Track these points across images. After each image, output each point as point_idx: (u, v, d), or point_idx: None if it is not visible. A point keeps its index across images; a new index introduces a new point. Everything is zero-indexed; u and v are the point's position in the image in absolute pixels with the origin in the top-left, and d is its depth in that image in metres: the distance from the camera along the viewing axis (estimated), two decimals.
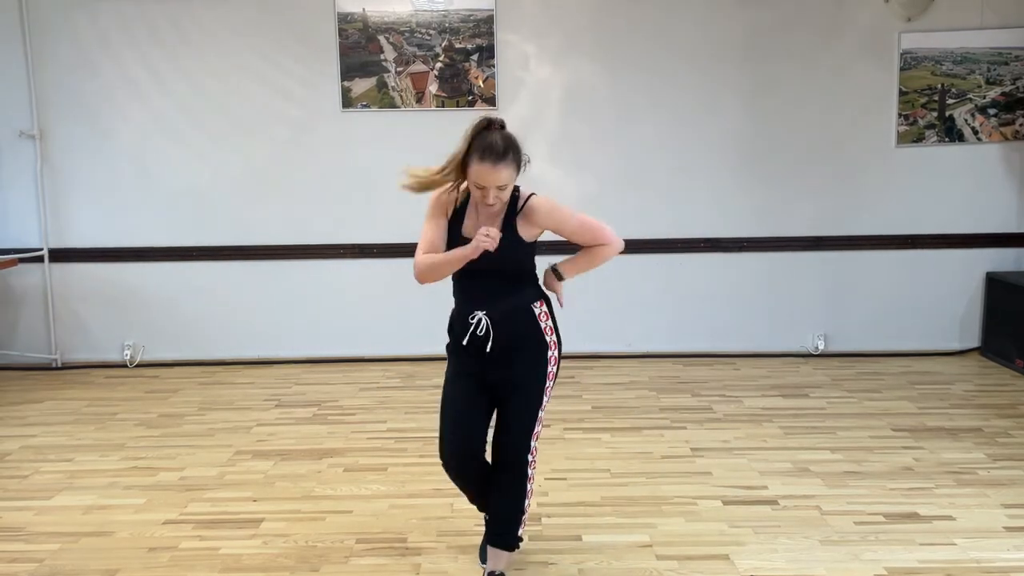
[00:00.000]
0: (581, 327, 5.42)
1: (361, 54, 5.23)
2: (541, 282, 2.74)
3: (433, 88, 5.27)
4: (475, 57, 5.24)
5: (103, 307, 5.43)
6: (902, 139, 5.32)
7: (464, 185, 2.62)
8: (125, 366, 5.42)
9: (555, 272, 2.74)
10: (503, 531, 2.73)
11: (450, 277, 2.67)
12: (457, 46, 5.23)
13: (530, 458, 2.69)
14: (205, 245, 5.39)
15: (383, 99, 5.27)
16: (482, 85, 5.25)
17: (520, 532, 2.76)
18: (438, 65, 5.25)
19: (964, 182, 5.38)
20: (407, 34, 5.22)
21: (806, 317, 5.47)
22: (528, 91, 5.27)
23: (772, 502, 3.35)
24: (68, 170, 5.32)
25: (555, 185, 5.32)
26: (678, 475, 3.62)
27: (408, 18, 5.21)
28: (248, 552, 3.00)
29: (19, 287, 5.42)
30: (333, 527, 3.18)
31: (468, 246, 2.50)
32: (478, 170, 2.48)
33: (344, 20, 5.20)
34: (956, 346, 5.54)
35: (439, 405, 2.77)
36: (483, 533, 2.87)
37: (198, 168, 5.33)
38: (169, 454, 3.94)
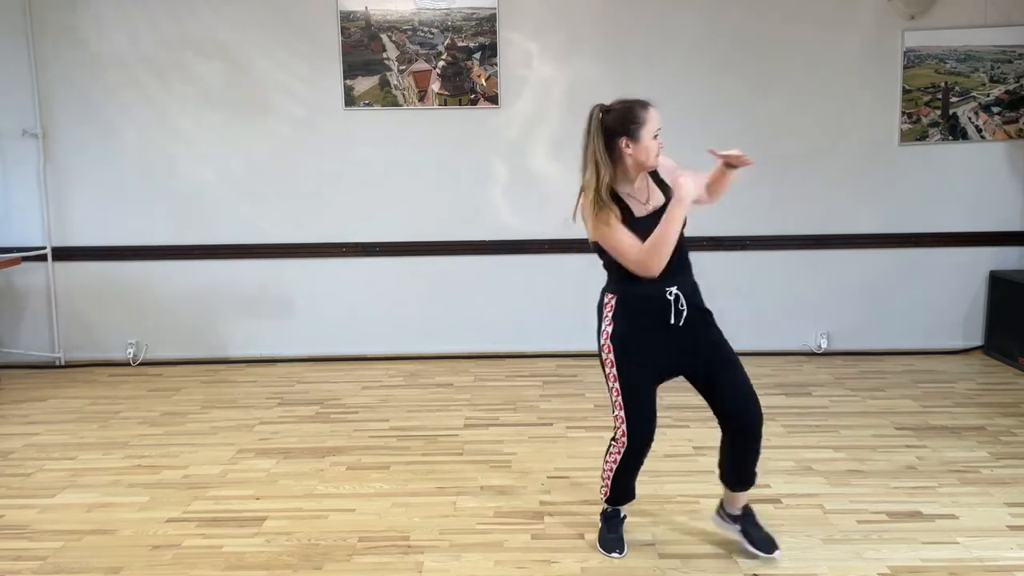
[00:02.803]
0: (583, 325, 5.40)
1: (363, 52, 5.23)
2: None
3: (436, 86, 5.27)
4: (478, 55, 5.23)
5: (106, 305, 5.44)
6: (905, 137, 5.31)
7: (606, 179, 2.66)
8: (128, 364, 5.43)
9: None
10: (745, 478, 2.87)
11: (608, 264, 2.80)
12: (459, 44, 5.22)
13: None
14: (208, 244, 5.40)
15: (385, 98, 5.27)
16: (485, 83, 5.25)
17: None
18: (440, 63, 5.25)
19: (967, 180, 5.37)
20: (409, 32, 5.22)
21: (809, 315, 5.47)
22: (531, 89, 5.27)
23: (775, 500, 3.34)
24: (71, 169, 5.33)
25: (558, 183, 5.32)
26: (681, 474, 3.62)
27: (410, 16, 5.21)
28: (251, 550, 3.00)
29: (22, 285, 5.43)
30: (336, 525, 3.19)
31: (675, 202, 2.68)
32: (653, 118, 2.65)
33: (346, 18, 5.20)
34: (959, 344, 5.53)
35: (622, 392, 2.80)
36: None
37: (201, 167, 5.34)
38: (172, 452, 3.94)
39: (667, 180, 2.79)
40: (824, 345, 5.46)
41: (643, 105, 2.65)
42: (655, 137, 2.66)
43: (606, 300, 2.86)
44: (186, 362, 5.46)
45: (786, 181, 5.37)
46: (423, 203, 5.39)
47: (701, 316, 2.80)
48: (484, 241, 5.39)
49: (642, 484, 3.49)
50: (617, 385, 2.80)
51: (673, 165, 2.85)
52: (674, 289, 2.73)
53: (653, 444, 2.86)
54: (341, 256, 5.43)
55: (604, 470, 2.95)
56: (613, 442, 2.89)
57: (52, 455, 3.93)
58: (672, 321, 2.72)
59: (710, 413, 4.34)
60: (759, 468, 2.88)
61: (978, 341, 5.52)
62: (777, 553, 2.89)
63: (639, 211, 2.74)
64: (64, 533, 3.15)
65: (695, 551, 2.96)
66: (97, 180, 5.33)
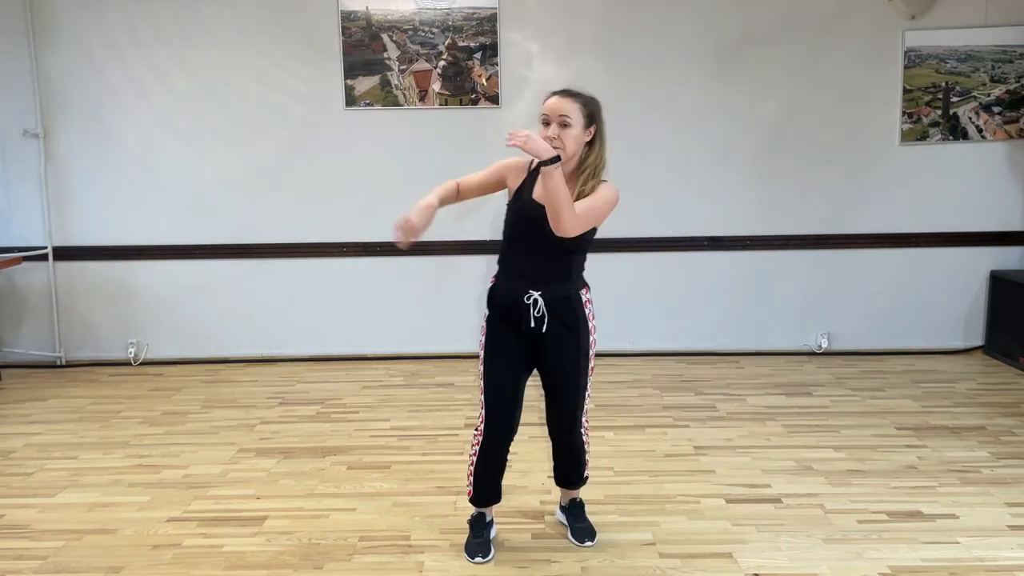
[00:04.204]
0: None
1: (364, 52, 5.24)
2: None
3: (436, 86, 5.27)
4: (478, 55, 5.23)
5: (107, 305, 5.45)
6: (906, 137, 5.31)
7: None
8: (129, 364, 5.43)
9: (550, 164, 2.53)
10: (571, 479, 3.05)
11: (503, 244, 2.79)
12: (460, 44, 5.23)
13: (584, 428, 2.97)
14: (209, 243, 5.40)
15: (386, 97, 5.28)
16: (485, 83, 5.25)
17: (586, 473, 3.08)
18: (441, 63, 5.25)
19: (968, 180, 5.36)
20: (410, 32, 5.22)
21: (809, 315, 5.47)
22: (531, 90, 5.26)
23: (775, 500, 3.35)
24: (72, 169, 5.33)
25: None
26: (681, 473, 3.62)
27: (411, 16, 5.21)
28: (252, 550, 3.01)
29: (23, 285, 5.43)
30: (336, 525, 3.19)
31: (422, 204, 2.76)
32: (546, 103, 2.66)
33: (347, 18, 5.20)
34: (960, 344, 5.53)
35: (482, 384, 2.86)
36: (468, 535, 3.02)
37: (202, 166, 5.34)
38: (173, 452, 3.94)
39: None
40: (824, 345, 5.46)
41: (553, 92, 2.70)
42: (545, 125, 2.66)
43: (492, 281, 2.85)
44: (187, 362, 5.46)
45: (786, 180, 5.37)
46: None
47: (561, 329, 2.74)
48: (485, 241, 5.39)
49: (642, 484, 3.51)
50: (482, 368, 2.83)
51: (596, 190, 2.68)
52: (536, 295, 2.69)
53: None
54: (341, 256, 5.43)
55: (468, 465, 2.96)
56: (475, 432, 2.92)
57: (53, 455, 3.94)
58: (532, 325, 2.70)
59: (710, 413, 4.38)
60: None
61: (979, 341, 5.52)
62: (588, 543, 3.00)
63: (539, 194, 2.68)
64: (65, 533, 3.15)
65: (695, 551, 2.96)
66: (98, 180, 5.33)
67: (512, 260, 2.76)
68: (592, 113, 2.66)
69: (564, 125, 2.62)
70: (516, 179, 2.76)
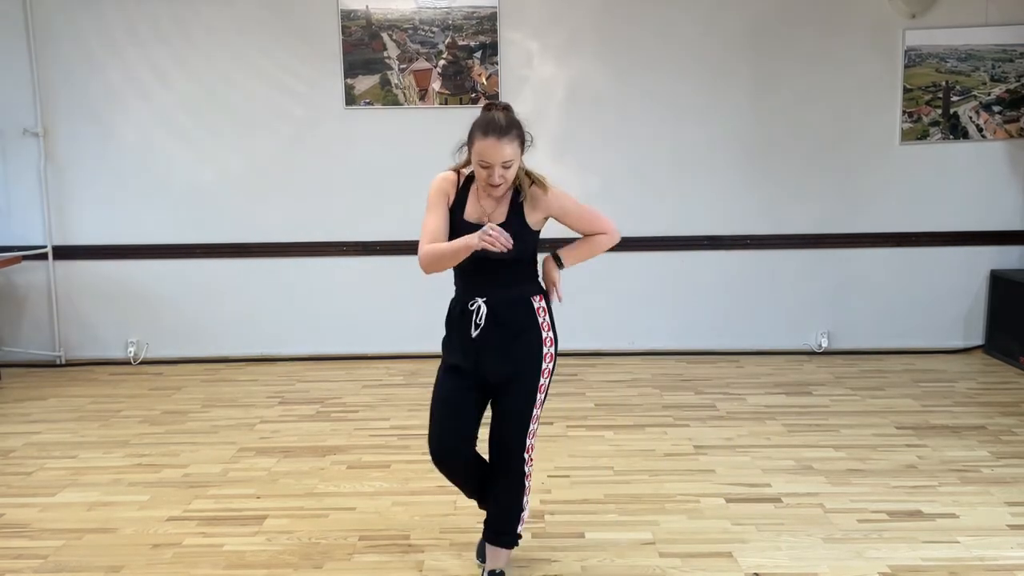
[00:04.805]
0: (584, 324, 5.42)
1: (364, 51, 5.23)
2: (540, 272, 2.70)
3: (436, 86, 5.27)
4: (478, 54, 5.23)
5: (107, 304, 5.44)
6: (906, 136, 5.31)
7: (465, 169, 2.66)
8: (129, 363, 5.43)
9: (556, 259, 2.68)
10: (501, 529, 2.72)
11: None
12: (460, 43, 5.22)
13: (527, 457, 2.67)
14: (208, 242, 5.40)
15: (386, 96, 5.27)
16: (485, 83, 5.25)
17: (519, 530, 2.75)
18: (441, 62, 5.25)
19: (968, 180, 5.36)
20: (410, 31, 5.22)
21: (809, 315, 5.47)
22: (531, 89, 5.26)
23: (775, 500, 3.34)
24: (72, 168, 5.33)
25: (558, 183, 5.31)
26: (681, 473, 3.62)
27: (411, 15, 5.21)
28: (251, 549, 3.01)
29: (23, 284, 5.43)
30: (336, 524, 3.19)
31: (471, 237, 2.40)
32: (481, 147, 2.44)
33: (347, 17, 5.20)
34: (960, 344, 5.53)
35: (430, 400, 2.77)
36: (482, 531, 2.88)
37: (201, 166, 5.33)
38: (173, 451, 3.94)
39: (528, 210, 2.58)
40: (824, 344, 5.46)
41: (483, 131, 2.44)
42: (484, 168, 2.46)
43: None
44: (186, 361, 5.46)
45: (786, 180, 5.37)
46: (424, 202, 5.38)
47: (508, 336, 2.59)
48: None
49: (642, 483, 3.51)
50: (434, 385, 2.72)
51: (557, 195, 2.62)
52: (480, 301, 2.57)
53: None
54: (342, 255, 5.43)
55: None
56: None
57: (53, 454, 3.93)
58: (473, 333, 2.58)
59: (710, 412, 4.38)
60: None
61: (979, 340, 5.52)
62: None
63: (472, 214, 2.59)
64: (65, 532, 3.15)
65: (695, 550, 2.96)
66: (98, 179, 5.33)
67: (460, 270, 2.64)
68: (523, 139, 2.53)
69: (507, 167, 2.47)
70: (452, 193, 2.64)
